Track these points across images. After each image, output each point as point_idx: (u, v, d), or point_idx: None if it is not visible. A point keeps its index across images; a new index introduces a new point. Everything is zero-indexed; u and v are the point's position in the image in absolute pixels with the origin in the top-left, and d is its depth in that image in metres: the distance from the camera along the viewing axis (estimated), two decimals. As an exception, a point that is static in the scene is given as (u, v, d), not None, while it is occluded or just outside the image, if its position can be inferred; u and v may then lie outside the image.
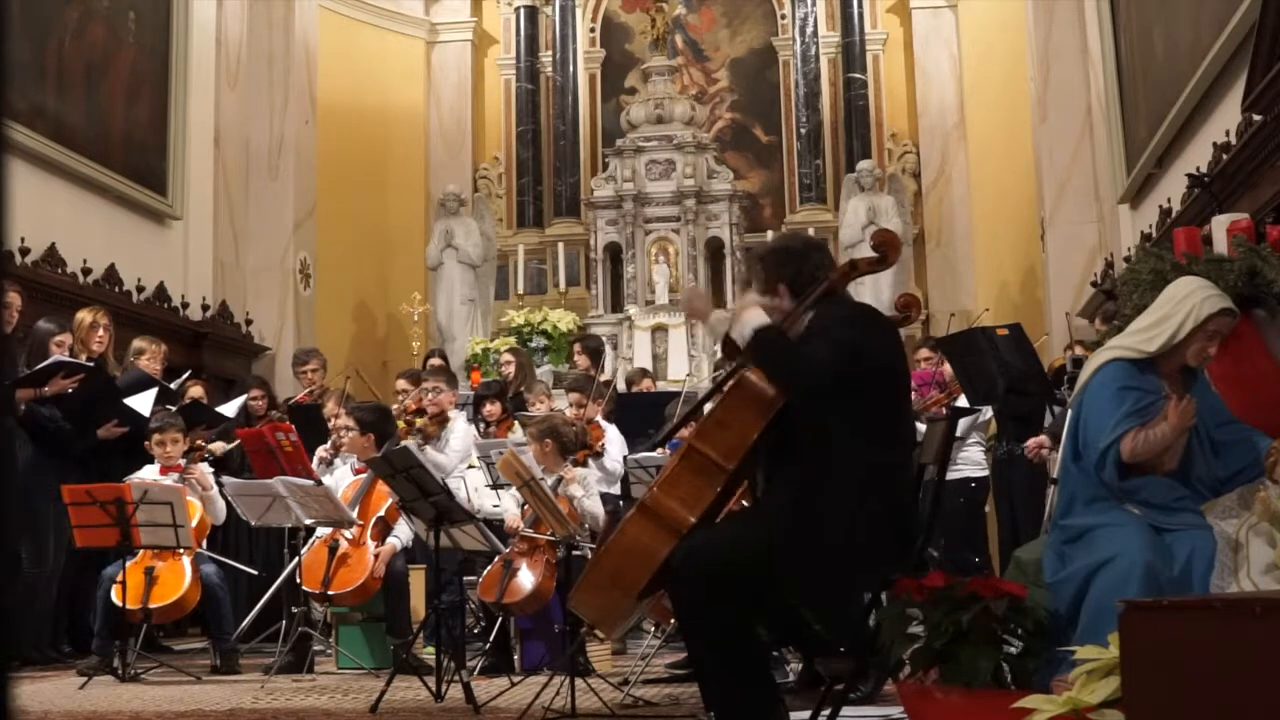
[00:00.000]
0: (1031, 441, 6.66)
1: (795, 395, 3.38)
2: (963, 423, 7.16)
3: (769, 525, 3.38)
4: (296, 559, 6.36)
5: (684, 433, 4.37)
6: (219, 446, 7.52)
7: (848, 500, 3.31)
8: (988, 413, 7.82)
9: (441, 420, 7.15)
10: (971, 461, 7.85)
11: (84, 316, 7.17)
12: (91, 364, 6.85)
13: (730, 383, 3.44)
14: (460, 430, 7.15)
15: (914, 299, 5.97)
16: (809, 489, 3.35)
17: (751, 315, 3.41)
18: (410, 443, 6.48)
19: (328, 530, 6.28)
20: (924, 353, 8.37)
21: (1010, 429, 7.55)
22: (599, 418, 7.21)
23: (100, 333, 7.15)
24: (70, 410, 6.70)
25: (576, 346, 9.33)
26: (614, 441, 7.14)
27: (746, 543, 3.33)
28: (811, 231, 11.92)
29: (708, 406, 3.63)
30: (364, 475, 6.42)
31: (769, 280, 3.60)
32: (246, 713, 4.83)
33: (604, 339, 10.57)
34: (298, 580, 6.25)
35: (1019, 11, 10.87)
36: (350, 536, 6.26)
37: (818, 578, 3.34)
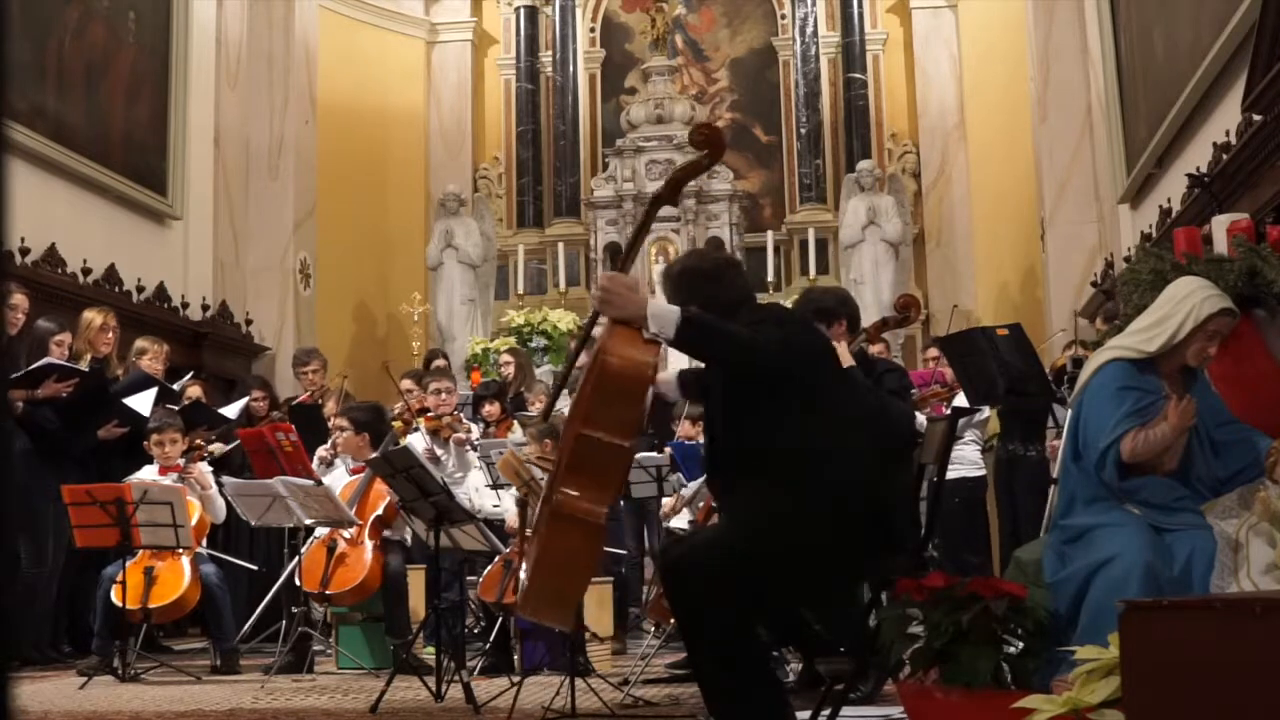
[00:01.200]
0: (1054, 444, 6.65)
1: (742, 367, 3.31)
2: (959, 422, 7.16)
3: (739, 528, 3.35)
4: (297, 559, 6.36)
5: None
6: (218, 448, 7.51)
7: (805, 491, 3.25)
8: (984, 412, 7.82)
9: (455, 421, 7.18)
10: (967, 461, 7.84)
11: (93, 318, 7.16)
12: (85, 369, 6.83)
13: (601, 355, 3.23)
14: None
15: (914, 299, 6.01)
16: (766, 488, 3.29)
17: (662, 306, 3.23)
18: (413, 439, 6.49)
19: (326, 530, 6.29)
20: (933, 352, 8.37)
21: (1015, 429, 7.54)
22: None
23: (109, 334, 7.16)
24: (65, 414, 6.68)
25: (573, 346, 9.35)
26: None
27: (729, 546, 3.30)
28: (811, 232, 11.97)
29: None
30: (360, 475, 6.42)
31: (681, 301, 3.44)
32: (246, 713, 4.83)
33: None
34: (297, 580, 6.25)
35: (1019, 11, 10.87)
36: (348, 536, 6.26)
37: (796, 574, 3.30)
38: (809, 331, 3.56)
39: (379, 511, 6.32)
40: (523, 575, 3.64)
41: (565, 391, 4.31)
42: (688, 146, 11.94)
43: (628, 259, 3.61)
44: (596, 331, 3.51)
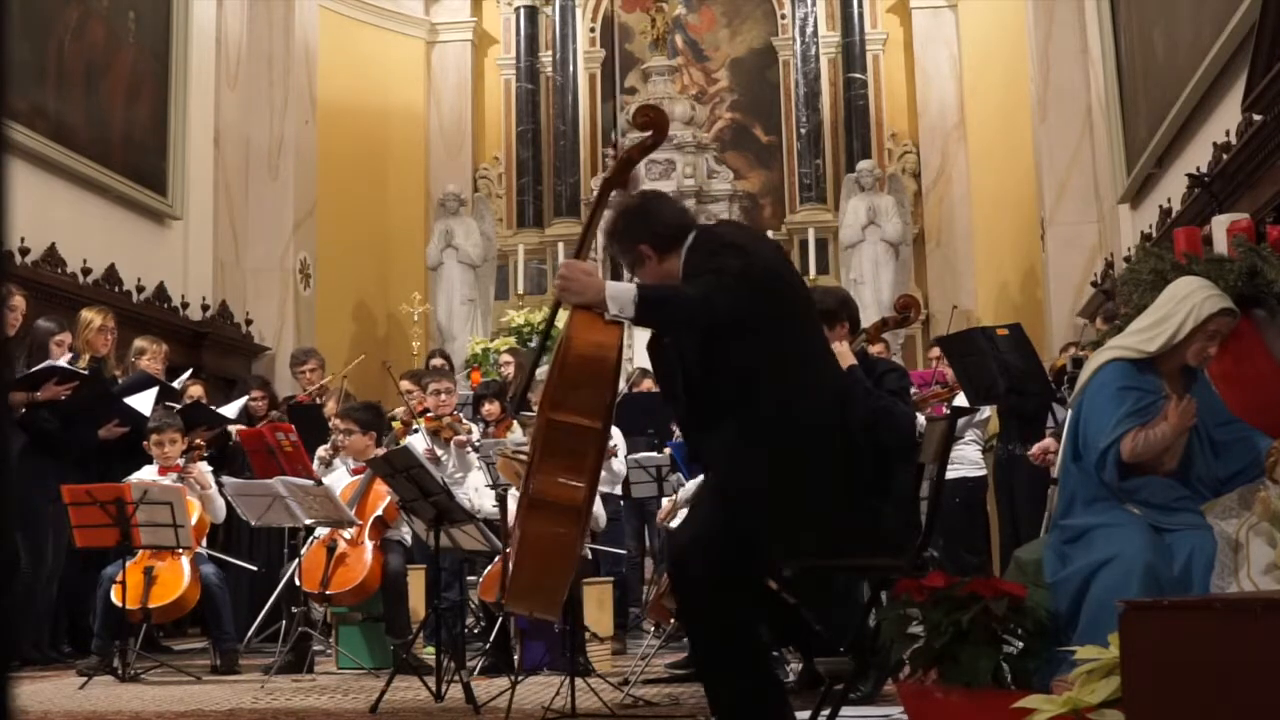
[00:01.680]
0: (1036, 447, 6.64)
1: (699, 331, 3.33)
2: (959, 422, 7.15)
3: (722, 495, 3.35)
4: (297, 559, 6.36)
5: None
6: (229, 424, 7.50)
7: (775, 434, 3.26)
8: (985, 411, 7.82)
9: (455, 421, 7.18)
10: (968, 461, 7.83)
11: (92, 318, 7.15)
12: (86, 371, 6.83)
13: (564, 340, 3.28)
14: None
15: (913, 300, 6.00)
16: (735, 446, 3.31)
17: (618, 286, 3.24)
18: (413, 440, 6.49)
19: (326, 530, 6.29)
20: (935, 351, 8.37)
21: (1014, 429, 7.54)
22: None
23: (107, 335, 7.16)
24: (64, 417, 6.68)
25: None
26: (616, 443, 7.14)
27: (718, 516, 3.29)
28: (811, 232, 11.97)
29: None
30: (361, 475, 6.42)
31: (631, 246, 3.48)
32: (246, 713, 4.83)
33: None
34: (297, 581, 6.25)
35: (1019, 12, 10.87)
36: (348, 537, 6.26)
37: (784, 518, 3.29)
38: (762, 256, 3.50)
39: (379, 512, 6.32)
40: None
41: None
42: (688, 147, 11.99)
43: (583, 245, 3.62)
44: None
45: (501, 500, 5.54)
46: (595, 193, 3.58)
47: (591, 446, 3.23)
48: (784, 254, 3.69)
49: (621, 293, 3.20)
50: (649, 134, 3.58)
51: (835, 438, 3.34)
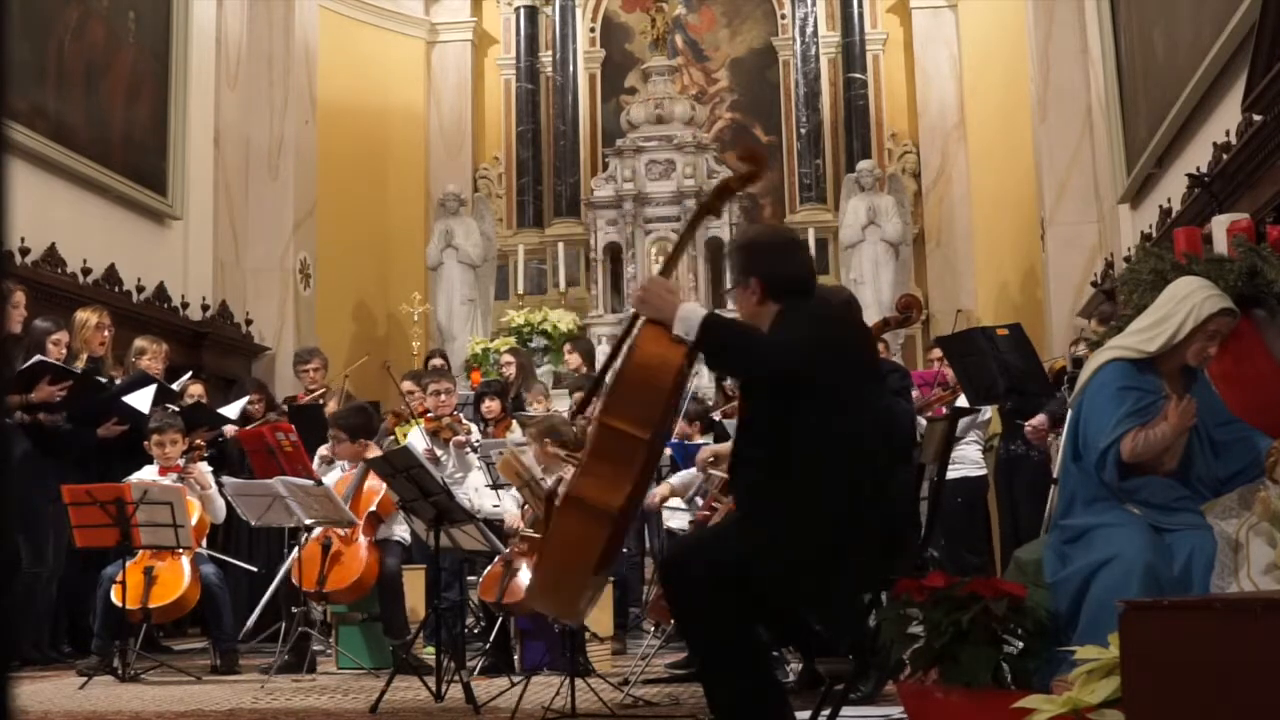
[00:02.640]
0: (1029, 425, 6.64)
1: (753, 377, 3.38)
2: (961, 422, 7.17)
3: (752, 533, 3.35)
4: (294, 555, 6.35)
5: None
6: (230, 428, 7.52)
7: (816, 491, 3.25)
8: (986, 412, 7.82)
9: (455, 422, 7.18)
10: (968, 460, 7.83)
11: (89, 317, 7.15)
12: (79, 371, 6.82)
13: (629, 349, 3.33)
14: None
15: (915, 299, 6.01)
16: (776, 487, 3.30)
17: (690, 308, 3.27)
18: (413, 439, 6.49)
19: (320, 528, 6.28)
20: (936, 353, 8.37)
21: (1015, 430, 7.54)
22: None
23: (104, 334, 7.16)
24: (63, 417, 6.66)
25: (568, 347, 9.39)
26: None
27: (729, 545, 3.30)
28: (811, 232, 11.97)
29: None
30: (354, 471, 6.42)
31: (745, 272, 3.50)
32: (246, 713, 4.83)
33: (603, 338, 10.60)
34: (294, 581, 6.25)
35: (1019, 12, 10.87)
36: (343, 534, 6.26)
37: (801, 575, 3.30)
38: (838, 331, 3.52)
39: (373, 507, 6.32)
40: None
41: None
42: (688, 147, 11.99)
43: (670, 263, 3.67)
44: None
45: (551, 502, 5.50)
46: (691, 217, 3.59)
47: (638, 456, 3.24)
48: (865, 334, 3.73)
49: (691, 314, 3.24)
50: (751, 168, 3.60)
51: (843, 438, 3.33)
